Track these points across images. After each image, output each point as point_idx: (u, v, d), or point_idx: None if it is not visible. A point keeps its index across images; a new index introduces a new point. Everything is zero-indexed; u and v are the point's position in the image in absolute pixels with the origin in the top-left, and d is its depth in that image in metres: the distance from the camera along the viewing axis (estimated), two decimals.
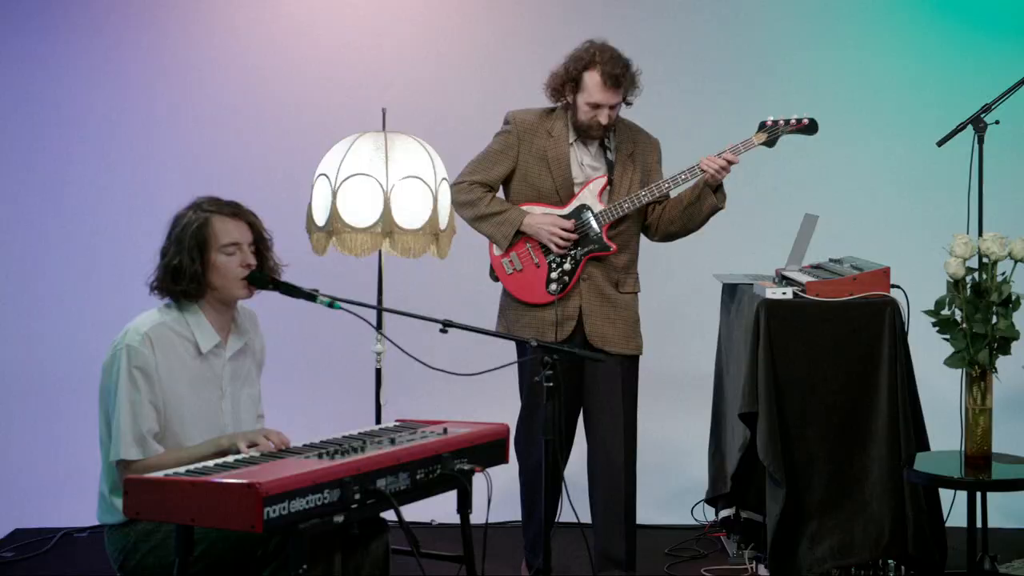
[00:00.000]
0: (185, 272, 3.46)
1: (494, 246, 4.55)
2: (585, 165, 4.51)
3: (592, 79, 4.41)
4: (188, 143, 6.12)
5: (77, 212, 6.07)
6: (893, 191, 6.17)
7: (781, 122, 4.51)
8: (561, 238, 4.44)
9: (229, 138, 6.13)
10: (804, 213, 4.91)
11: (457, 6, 6.27)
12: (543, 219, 4.46)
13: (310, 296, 3.56)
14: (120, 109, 6.10)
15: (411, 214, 4.60)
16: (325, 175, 4.67)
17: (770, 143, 4.52)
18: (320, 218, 4.65)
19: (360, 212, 4.57)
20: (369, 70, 6.18)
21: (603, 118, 4.42)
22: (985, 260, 4.11)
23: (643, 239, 4.67)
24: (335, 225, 4.57)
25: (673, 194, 4.59)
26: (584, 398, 4.55)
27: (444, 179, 4.73)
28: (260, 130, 6.14)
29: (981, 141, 4.53)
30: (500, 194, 4.63)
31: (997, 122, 4.55)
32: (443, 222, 4.69)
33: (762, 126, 4.53)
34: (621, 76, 4.40)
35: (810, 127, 4.54)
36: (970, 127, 4.55)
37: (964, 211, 4.51)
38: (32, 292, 6.04)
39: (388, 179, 4.58)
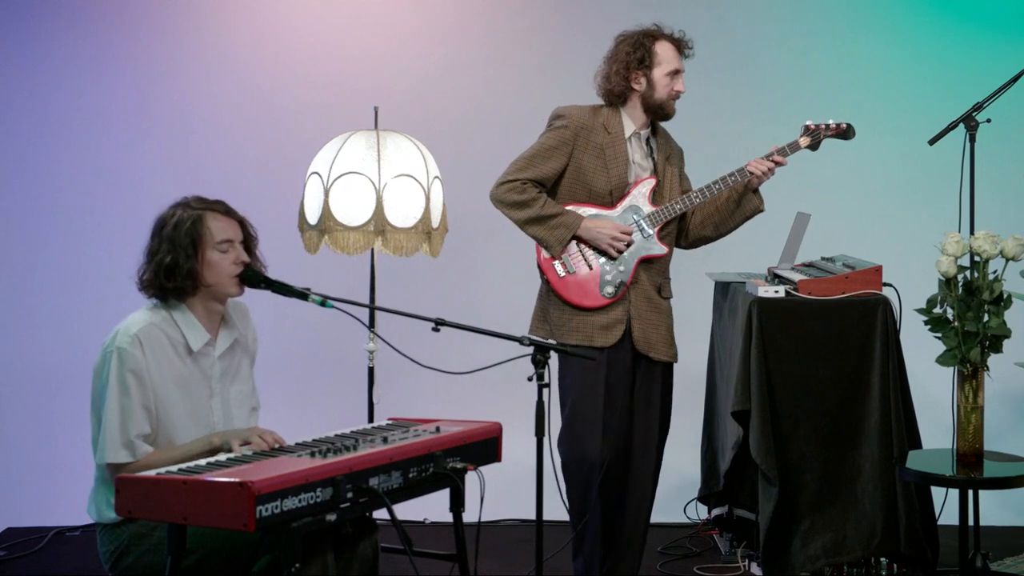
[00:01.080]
0: (180, 269, 3.45)
1: (543, 249, 4.37)
2: (635, 164, 4.39)
3: (665, 47, 4.34)
4: (181, 142, 6.11)
5: (69, 212, 6.06)
6: (885, 189, 6.18)
7: (823, 126, 4.45)
8: (621, 242, 4.32)
9: (222, 136, 6.12)
10: (796, 212, 4.92)
11: (450, 4, 6.27)
12: (601, 223, 4.32)
13: (302, 295, 3.55)
14: (113, 109, 6.09)
15: (403, 212, 4.59)
16: (317, 173, 4.66)
17: (813, 146, 4.47)
18: (312, 216, 4.64)
19: (352, 210, 4.56)
20: (361, 68, 6.17)
21: (680, 85, 4.35)
22: (977, 258, 4.11)
23: None
24: (327, 223, 4.57)
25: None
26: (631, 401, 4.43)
27: (437, 177, 4.73)
28: (252, 128, 6.14)
29: (973, 139, 4.54)
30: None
31: (989, 120, 4.55)
32: (435, 220, 4.68)
33: (805, 129, 4.46)
34: (685, 40, 4.40)
35: (847, 132, 4.48)
36: (962, 126, 4.55)
37: (956, 209, 4.52)
38: (24, 291, 6.02)
39: (380, 177, 4.57)
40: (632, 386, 4.40)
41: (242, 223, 3.58)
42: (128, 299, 3.58)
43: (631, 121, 4.39)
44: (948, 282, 4.11)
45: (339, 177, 4.57)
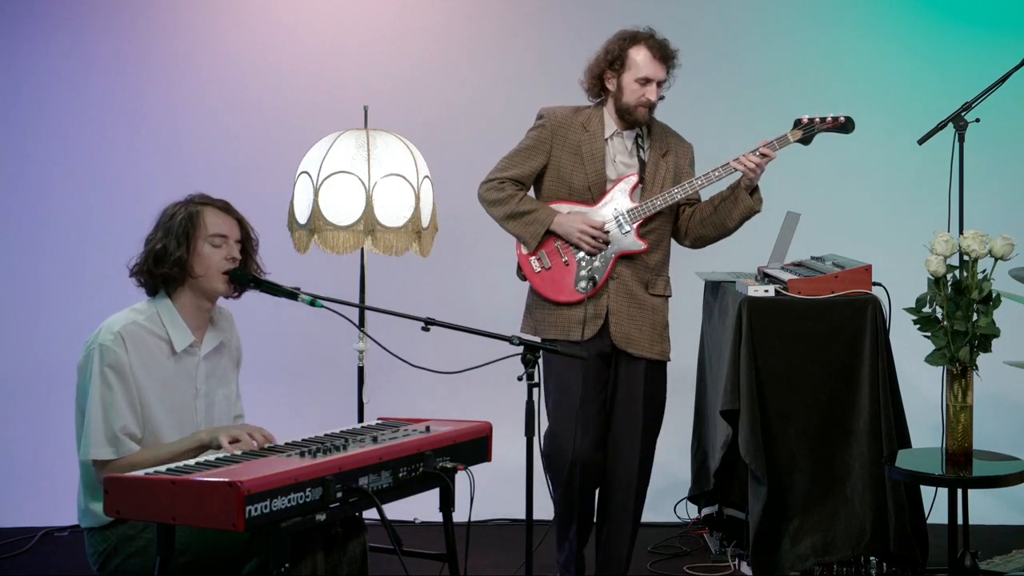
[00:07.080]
0: (169, 256, 3.45)
1: (521, 245, 4.43)
2: (618, 162, 4.42)
3: (640, 53, 4.35)
4: (172, 142, 6.10)
5: (60, 213, 6.05)
6: (875, 189, 6.19)
7: (817, 120, 4.44)
8: (592, 236, 4.34)
9: (212, 136, 6.12)
10: (786, 211, 4.92)
11: (440, 3, 6.26)
12: (573, 218, 4.36)
13: (292, 294, 3.55)
14: (105, 109, 6.08)
15: (393, 212, 4.59)
16: (307, 173, 4.65)
17: (805, 140, 4.45)
18: (302, 216, 4.63)
19: (342, 210, 4.56)
20: (351, 67, 6.17)
21: (651, 94, 4.35)
22: (966, 258, 4.12)
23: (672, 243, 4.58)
24: (317, 223, 4.56)
25: (706, 195, 4.52)
26: (610, 400, 4.43)
27: (426, 177, 4.72)
28: (242, 128, 6.13)
29: (962, 139, 4.54)
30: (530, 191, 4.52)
31: (978, 120, 4.55)
32: (425, 220, 4.68)
33: (797, 123, 4.44)
34: (668, 49, 4.39)
35: (846, 125, 4.45)
36: (951, 125, 4.55)
37: (945, 209, 4.52)
38: (14, 292, 6.01)
39: (370, 177, 4.57)
40: (611, 382, 4.41)
41: (241, 223, 3.60)
42: (121, 301, 3.57)
43: (612, 120, 4.43)
44: (937, 281, 4.11)
45: (329, 176, 4.56)
